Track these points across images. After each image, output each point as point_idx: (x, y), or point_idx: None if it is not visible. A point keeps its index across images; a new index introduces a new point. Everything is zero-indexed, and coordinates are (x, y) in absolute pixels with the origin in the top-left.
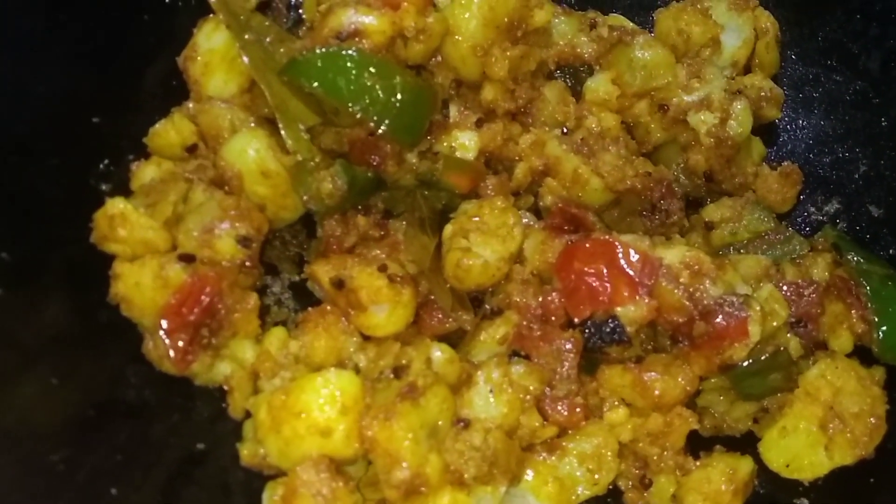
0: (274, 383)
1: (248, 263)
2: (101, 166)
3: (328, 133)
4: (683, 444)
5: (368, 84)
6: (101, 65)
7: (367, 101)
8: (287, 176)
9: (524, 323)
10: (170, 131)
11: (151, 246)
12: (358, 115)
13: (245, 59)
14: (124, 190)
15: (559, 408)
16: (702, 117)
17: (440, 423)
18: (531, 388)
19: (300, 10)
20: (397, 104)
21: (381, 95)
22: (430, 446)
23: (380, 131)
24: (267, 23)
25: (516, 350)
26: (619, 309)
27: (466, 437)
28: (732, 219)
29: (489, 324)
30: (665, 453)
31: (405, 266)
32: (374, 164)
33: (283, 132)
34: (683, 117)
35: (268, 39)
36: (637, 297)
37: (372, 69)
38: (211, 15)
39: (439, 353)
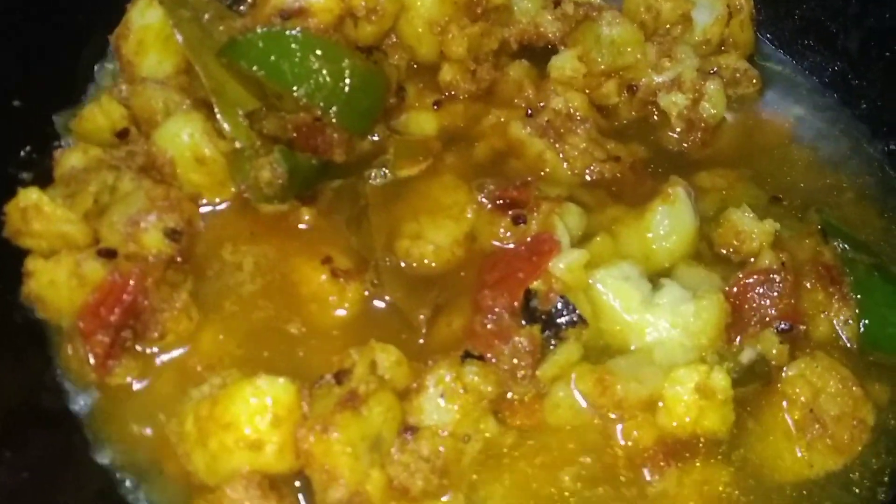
0: (202, 390)
1: (178, 259)
2: (23, 154)
3: (270, 118)
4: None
5: (314, 67)
6: (22, 44)
7: (313, 85)
8: (224, 163)
9: (479, 318)
10: (97, 115)
11: (69, 240)
12: (303, 101)
13: (179, 37)
14: (49, 179)
15: (517, 412)
16: (673, 99)
17: (384, 433)
18: (487, 390)
19: None
20: (346, 90)
21: (328, 80)
22: (373, 461)
23: (328, 118)
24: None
25: (469, 350)
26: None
27: (413, 447)
28: (724, 188)
29: (445, 317)
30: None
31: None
32: (321, 151)
33: (219, 117)
34: (654, 98)
35: (206, 16)
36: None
37: (318, 51)
38: None
39: (385, 355)
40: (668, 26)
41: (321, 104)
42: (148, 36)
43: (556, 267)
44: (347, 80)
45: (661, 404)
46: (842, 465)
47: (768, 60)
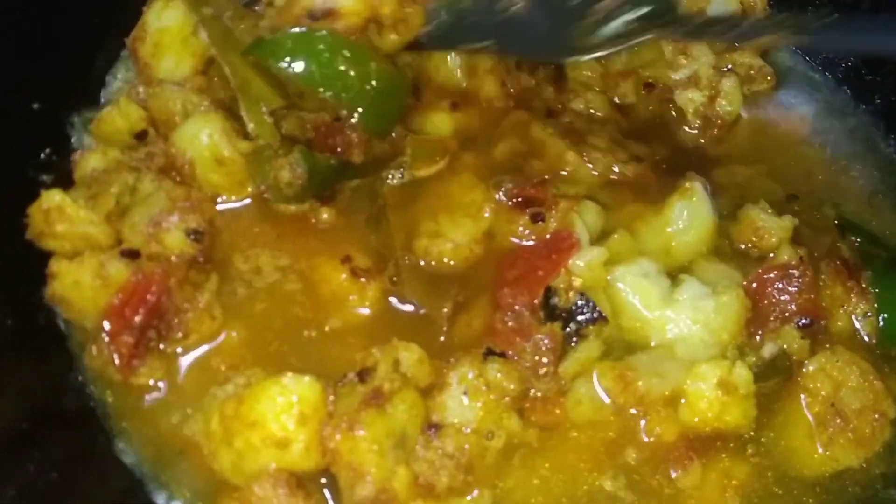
0: (227, 390)
1: (200, 258)
2: (43, 156)
3: (290, 118)
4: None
5: (342, 69)
6: (40, 46)
7: (340, 86)
8: (243, 163)
9: (499, 316)
10: (116, 117)
11: (92, 242)
12: (330, 102)
13: (203, 35)
14: (69, 181)
15: (540, 409)
16: (689, 96)
17: (409, 431)
18: (510, 387)
19: None
20: (371, 92)
21: (354, 82)
22: (398, 458)
23: (352, 120)
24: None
25: (492, 348)
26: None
27: (438, 445)
28: (741, 184)
29: (465, 316)
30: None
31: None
32: (339, 151)
33: (244, 114)
34: (670, 96)
35: (227, 15)
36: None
37: (346, 53)
38: None
39: (408, 353)
40: None
41: (347, 105)
42: (165, 38)
43: (575, 265)
44: (373, 83)
45: (683, 400)
46: (863, 459)
47: (782, 57)
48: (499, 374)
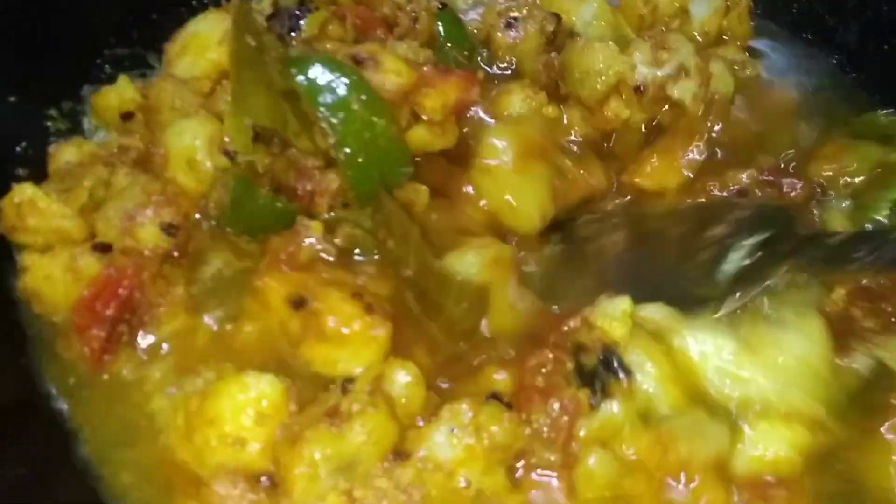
0: (195, 384)
1: (175, 253)
2: (18, 149)
3: (281, 159)
4: None
5: (351, 104)
6: (18, 41)
7: (342, 116)
8: (211, 175)
9: (528, 373)
10: (111, 95)
11: (65, 235)
12: (324, 135)
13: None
14: (44, 176)
15: (534, 477)
16: (685, 85)
17: (362, 457)
18: (503, 440)
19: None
20: (368, 140)
21: (357, 120)
22: (337, 483)
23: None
24: (276, 43)
25: (497, 394)
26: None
27: (396, 474)
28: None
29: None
30: None
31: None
32: (304, 196)
33: (225, 119)
34: (663, 93)
35: (271, 54)
36: None
37: (363, 96)
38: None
39: (404, 371)
40: (666, 19)
41: (339, 141)
42: (193, 41)
43: (599, 317)
44: (374, 133)
45: (750, 450)
46: None
47: (766, 53)
48: (495, 421)
